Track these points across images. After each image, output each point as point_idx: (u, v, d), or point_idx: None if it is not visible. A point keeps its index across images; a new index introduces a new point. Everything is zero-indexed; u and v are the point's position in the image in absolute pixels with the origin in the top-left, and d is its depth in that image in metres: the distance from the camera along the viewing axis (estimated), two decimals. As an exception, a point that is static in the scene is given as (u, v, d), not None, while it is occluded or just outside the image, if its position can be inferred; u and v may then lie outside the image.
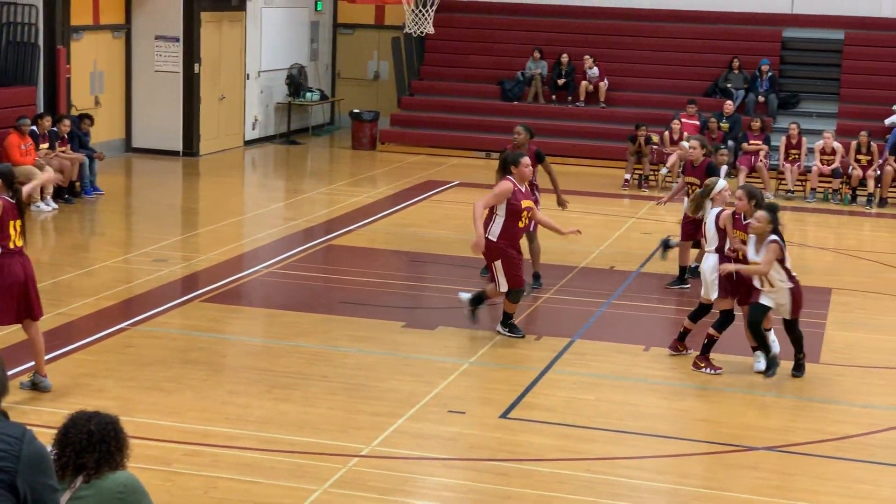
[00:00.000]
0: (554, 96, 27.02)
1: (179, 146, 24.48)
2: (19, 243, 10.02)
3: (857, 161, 22.24)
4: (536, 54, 27.15)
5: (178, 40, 24.18)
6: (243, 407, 10.14)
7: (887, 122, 24.18)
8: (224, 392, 10.51)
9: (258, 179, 24.52)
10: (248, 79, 26.41)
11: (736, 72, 26.12)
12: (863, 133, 22.43)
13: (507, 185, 12.25)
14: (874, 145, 22.36)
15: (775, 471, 9.26)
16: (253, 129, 26.75)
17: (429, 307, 13.90)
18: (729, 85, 25.91)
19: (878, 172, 21.98)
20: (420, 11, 19.82)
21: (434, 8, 19.98)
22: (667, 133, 23.48)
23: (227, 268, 15.16)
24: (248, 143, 26.47)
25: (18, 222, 9.99)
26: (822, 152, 22.48)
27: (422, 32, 20.31)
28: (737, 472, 9.20)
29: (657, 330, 13.27)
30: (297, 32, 28.43)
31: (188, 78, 24.34)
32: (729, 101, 24.32)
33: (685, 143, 17.14)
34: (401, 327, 12.83)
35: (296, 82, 27.49)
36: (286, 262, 15.67)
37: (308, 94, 27.83)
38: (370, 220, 18.80)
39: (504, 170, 12.61)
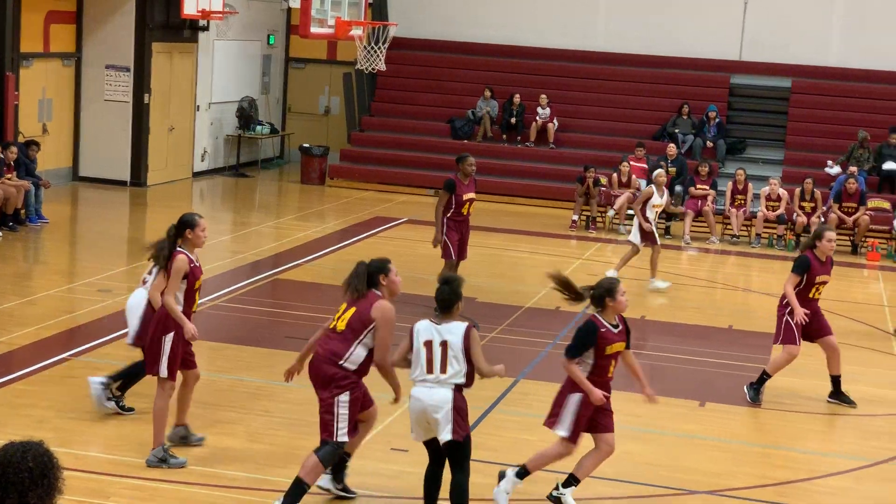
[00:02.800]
0: (504, 136, 27.14)
1: (127, 176, 24.33)
2: None
3: (802, 208, 22.49)
4: (487, 93, 27.28)
5: (128, 70, 24.09)
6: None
7: (827, 170, 24.49)
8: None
9: (206, 211, 24.22)
10: (198, 110, 26.34)
11: (685, 117, 26.37)
12: (808, 180, 22.71)
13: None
14: (818, 192, 22.62)
15: (717, 515, 9.29)
16: (202, 160, 26.65)
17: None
18: (677, 130, 26.15)
19: (823, 219, 22.22)
20: (372, 48, 19.85)
21: (386, 45, 20.01)
22: (615, 175, 23.63)
23: (171, 300, 15.02)
24: (196, 174, 26.36)
25: None
26: (768, 198, 22.71)
27: (373, 69, 20.33)
28: (678, 516, 9.21)
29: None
30: (249, 65, 28.41)
31: (138, 108, 24.24)
32: (672, 145, 24.55)
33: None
34: (345, 363, 12.75)
35: (246, 115, 27.45)
36: (232, 295, 15.57)
37: (258, 128, 27.78)
38: (317, 254, 18.74)
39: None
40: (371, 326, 8.54)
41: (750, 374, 13.02)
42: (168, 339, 9.52)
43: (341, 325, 8.67)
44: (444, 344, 8.31)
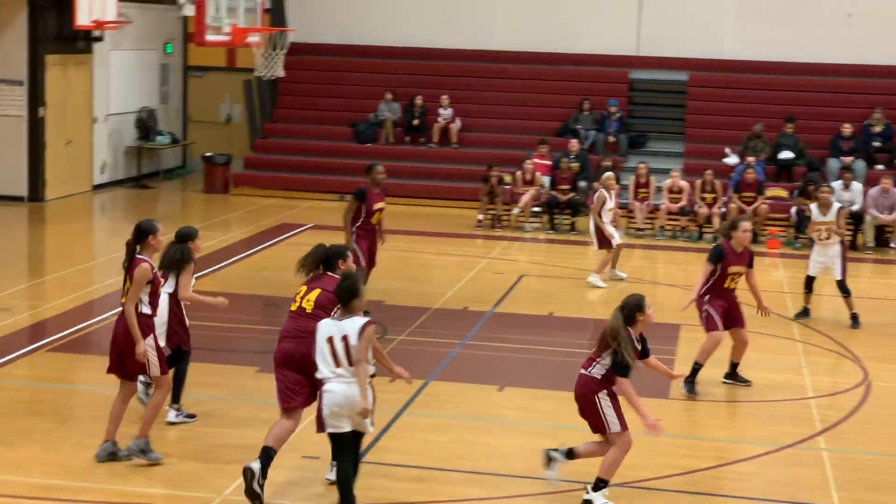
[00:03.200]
0: (407, 138, 27.15)
1: (24, 191, 23.94)
2: None
3: (703, 199, 22.80)
4: (388, 96, 27.27)
5: (21, 83, 23.70)
6: (90, 459, 9.88)
7: (726, 161, 24.87)
8: (71, 444, 10.25)
9: (107, 225, 24.10)
10: (95, 122, 25.98)
11: (586, 113, 26.59)
12: (708, 172, 23.04)
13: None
14: (718, 183, 22.94)
15: (628, 507, 9.38)
16: (101, 173, 26.30)
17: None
18: (579, 126, 26.37)
19: (724, 210, 22.54)
20: (270, 54, 19.75)
21: (285, 51, 19.93)
22: (519, 173, 23.76)
23: (75, 316, 14.83)
24: (96, 187, 26.01)
25: None
26: (670, 191, 22.99)
27: (273, 76, 20.23)
28: (589, 510, 9.29)
29: (511, 370, 13.35)
30: (147, 75, 28.10)
31: (33, 122, 23.87)
32: (574, 140, 24.75)
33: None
34: (254, 372, 12.69)
35: (146, 125, 27.16)
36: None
37: (158, 138, 27.50)
38: (224, 264, 18.60)
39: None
40: (339, 306, 8.76)
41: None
42: (150, 342, 9.81)
43: (309, 307, 9.16)
44: (344, 339, 8.53)
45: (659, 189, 23.44)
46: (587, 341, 14.67)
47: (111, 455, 9.85)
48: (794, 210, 22.66)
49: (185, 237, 10.90)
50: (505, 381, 12.72)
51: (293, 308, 9.28)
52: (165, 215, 24.78)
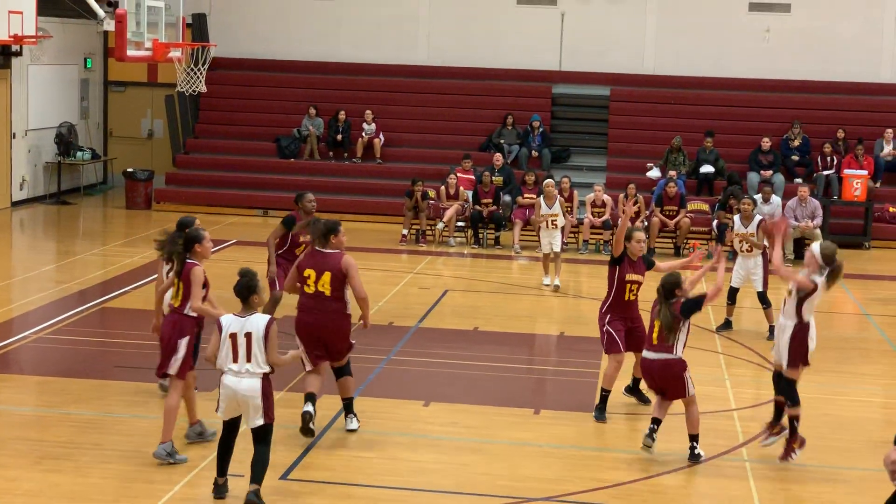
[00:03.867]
0: (331, 153, 27.09)
1: (-58, 208, 23.56)
2: None
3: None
4: (312, 111, 27.20)
5: (-61, 99, 23.31)
6: (11, 480, 9.73)
7: (649, 174, 25.10)
8: (-9, 465, 10.07)
9: (27, 241, 23.75)
10: (14, 138, 25.62)
11: (509, 127, 26.72)
12: (631, 185, 23.19)
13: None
14: (641, 197, 23.12)
15: (553, 521, 9.42)
16: (21, 189, 25.94)
17: (208, 369, 13.62)
18: (502, 140, 26.47)
19: (646, 223, 22.73)
20: (192, 70, 19.61)
21: (206, 66, 19.79)
22: (443, 188, 23.79)
23: (-7, 334, 14.58)
24: (15, 203, 25.64)
25: None
26: (594, 205, 23.13)
27: (194, 90, 20.09)
28: (516, 524, 9.31)
29: (437, 385, 13.34)
30: (67, 90, 27.78)
31: (-50, 137, 23.48)
32: (498, 154, 24.85)
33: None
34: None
35: (65, 141, 26.83)
36: (58, 326, 15.19)
37: (79, 153, 27.18)
38: (146, 280, 18.38)
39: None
40: (346, 279, 10.88)
41: (583, 380, 13.26)
42: (184, 342, 10.39)
43: (328, 290, 10.96)
44: (247, 335, 9.21)
45: (582, 203, 23.57)
46: (512, 354, 14.75)
47: (199, 435, 10.79)
48: (715, 223, 22.90)
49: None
50: (431, 396, 12.71)
51: (311, 291, 10.95)
52: (86, 232, 24.54)
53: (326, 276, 10.97)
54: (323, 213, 24.78)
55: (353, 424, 11.32)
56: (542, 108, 27.48)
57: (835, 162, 25.37)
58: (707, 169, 25.17)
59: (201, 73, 19.55)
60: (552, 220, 19.08)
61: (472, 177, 24.35)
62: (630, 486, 10.17)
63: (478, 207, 23.36)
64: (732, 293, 16.34)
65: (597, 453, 11.16)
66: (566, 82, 28.21)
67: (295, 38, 28.71)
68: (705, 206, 24.06)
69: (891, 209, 24.77)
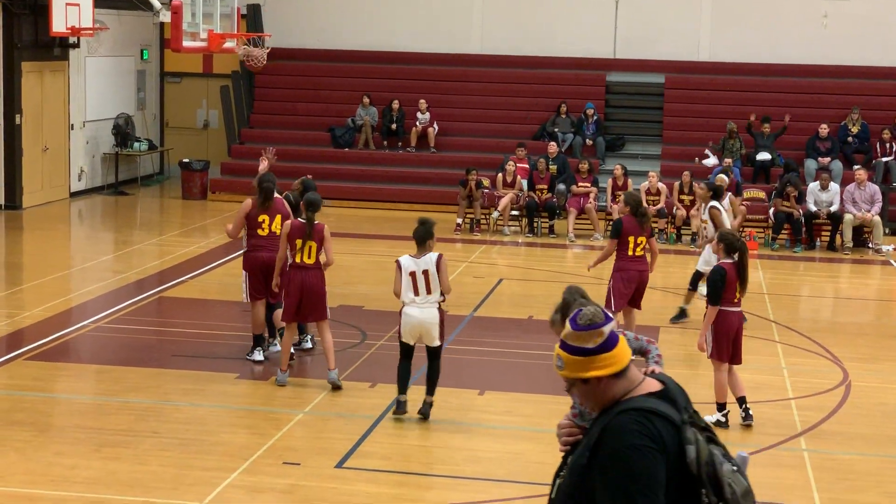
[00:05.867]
0: (385, 142, 27.14)
1: (1, 199, 23.82)
2: None
3: (681, 201, 22.83)
4: (366, 100, 27.25)
5: (-3, 91, 23.58)
6: (70, 468, 9.84)
7: (704, 162, 24.89)
8: (50, 453, 10.20)
9: (85, 232, 24.00)
10: (72, 129, 25.88)
11: (563, 116, 26.63)
12: (685, 173, 23.07)
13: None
14: (696, 185, 22.96)
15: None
16: (79, 180, 26.20)
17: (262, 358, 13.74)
18: (556, 129, 26.39)
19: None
20: (251, 47, 19.71)
21: (267, 49, 19.88)
22: (500, 176, 23.74)
23: (52, 324, 14.75)
24: (74, 194, 25.91)
25: None
26: (648, 192, 23.00)
27: (259, 63, 20.12)
28: (572, 513, 9.28)
29: (492, 374, 13.34)
30: (123, 81, 28.01)
31: (9, 129, 23.75)
32: (553, 143, 24.77)
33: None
34: (234, 378, 12.65)
35: (123, 132, 27.05)
36: (115, 315, 15.33)
37: (136, 144, 27.41)
38: (202, 270, 18.54)
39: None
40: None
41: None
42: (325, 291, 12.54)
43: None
44: (425, 273, 11.01)
45: (602, 190, 23.48)
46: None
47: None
48: (771, 211, 22.73)
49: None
50: (486, 385, 12.71)
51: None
52: (143, 222, 24.76)
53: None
54: (376, 201, 25.05)
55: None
56: (596, 97, 27.36)
57: (894, 148, 25.07)
58: (764, 156, 24.96)
59: (263, 53, 19.61)
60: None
61: (527, 165, 24.29)
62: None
63: (532, 195, 23.30)
64: (696, 278, 15.94)
65: (652, 442, 11.09)
66: (620, 70, 28.07)
67: (348, 28, 28.76)
68: (762, 194, 23.86)
69: (950, 195, 24.41)
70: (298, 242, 12.07)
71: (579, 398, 4.55)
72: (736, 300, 11.29)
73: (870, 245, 22.40)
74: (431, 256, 11.13)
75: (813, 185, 22.72)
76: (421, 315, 11.10)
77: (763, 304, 17.03)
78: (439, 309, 11.17)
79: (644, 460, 4.29)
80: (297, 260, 12.15)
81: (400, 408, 11.23)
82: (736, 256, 11.24)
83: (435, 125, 26.96)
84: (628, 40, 28.06)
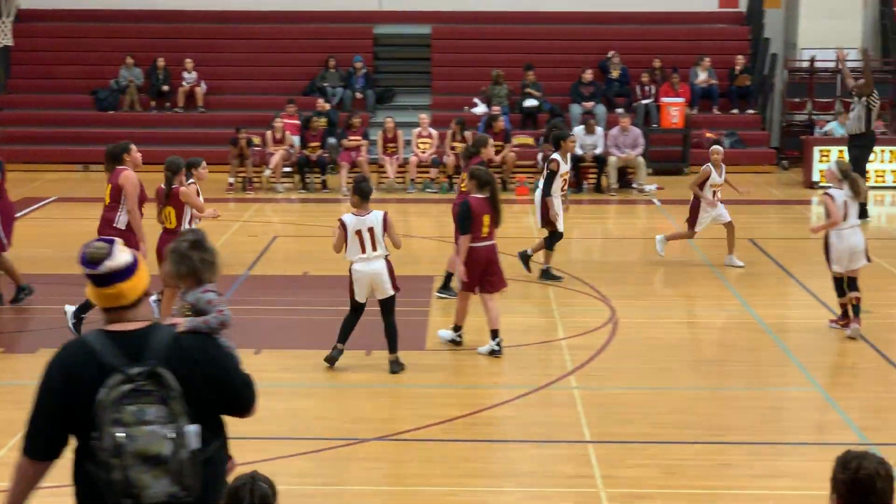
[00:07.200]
0: (153, 103, 26.56)
1: None
2: None
3: (453, 149, 23.09)
4: (129, 61, 26.59)
5: None
6: None
7: (474, 110, 25.23)
8: None
9: None
10: None
11: (332, 70, 26.55)
12: (455, 121, 23.32)
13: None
14: (467, 133, 23.24)
15: (387, 459, 9.49)
16: None
17: (31, 329, 13.35)
18: (325, 83, 26.29)
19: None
20: (-5, 22, 18.99)
21: (11, 18, 19.15)
22: (269, 133, 23.55)
23: None
24: None
25: None
26: (419, 136, 23.26)
27: (1, 44, 19.44)
28: (350, 466, 9.37)
29: (268, 332, 13.27)
30: None
31: None
32: (321, 99, 24.69)
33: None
34: (0, 353, 12.26)
35: None
36: None
37: None
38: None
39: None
40: (123, 192, 12.39)
41: (413, 318, 13.34)
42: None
43: (107, 199, 12.57)
44: (370, 230, 11.30)
45: (408, 143, 23.63)
46: (342, 298, 14.72)
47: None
48: (540, 157, 23.18)
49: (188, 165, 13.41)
50: (262, 343, 12.64)
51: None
52: None
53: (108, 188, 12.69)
54: (147, 164, 24.48)
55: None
56: (364, 49, 27.37)
57: (653, 91, 25.89)
58: (530, 103, 25.43)
59: (7, 27, 18.92)
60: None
61: (298, 122, 24.16)
62: (463, 420, 10.30)
63: (304, 152, 23.20)
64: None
65: (430, 390, 11.27)
66: (387, 22, 28.12)
67: (107, -14, 27.95)
68: (531, 140, 24.32)
69: (707, 134, 25.38)
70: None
71: None
72: (484, 234, 11.86)
73: (634, 185, 23.13)
74: (376, 214, 11.36)
75: (578, 129, 23.28)
76: (370, 268, 11.37)
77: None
78: (386, 260, 11.46)
79: (45, 380, 5.00)
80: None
81: (331, 359, 11.68)
82: (487, 192, 11.81)
83: (202, 84, 26.53)
84: (394, -8, 28.14)
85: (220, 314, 6.49)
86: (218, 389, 5.14)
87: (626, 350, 12.50)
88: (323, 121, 23.82)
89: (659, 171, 24.36)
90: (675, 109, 24.78)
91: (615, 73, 26.36)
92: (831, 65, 26.36)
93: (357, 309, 11.66)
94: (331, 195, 22.56)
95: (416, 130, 23.36)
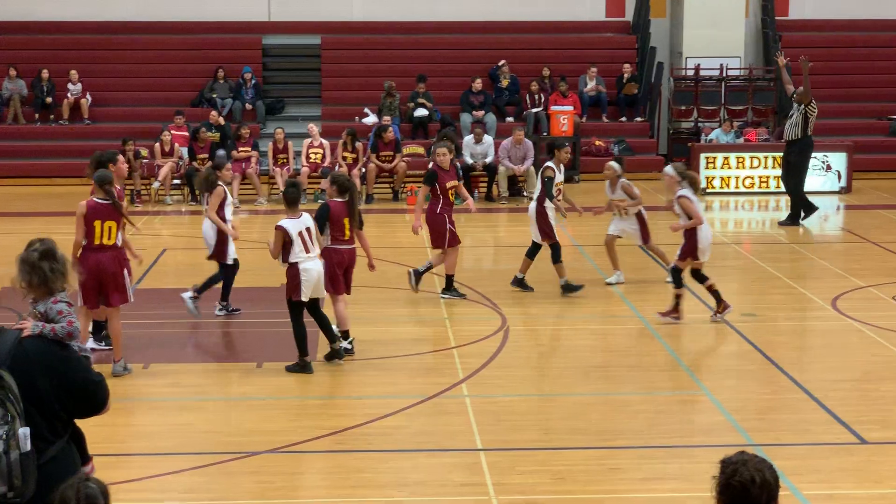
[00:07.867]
0: (37, 115, 26.09)
1: None
2: None
3: (344, 158, 23.03)
4: (12, 72, 26.09)
5: None
6: None
7: (365, 121, 25.22)
8: None
9: None
10: None
11: (221, 81, 26.32)
12: (346, 132, 23.27)
13: None
14: (358, 144, 23.23)
15: (278, 472, 9.39)
16: None
17: None
18: (215, 95, 26.07)
19: (363, 170, 22.85)
20: None
21: None
22: (157, 145, 23.28)
23: None
24: None
25: None
26: (311, 146, 23.18)
27: None
28: (240, 480, 9.26)
29: (156, 345, 13.08)
30: None
31: None
32: (214, 111, 24.50)
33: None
34: None
35: None
36: None
37: None
38: None
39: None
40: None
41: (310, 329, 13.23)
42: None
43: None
44: (308, 230, 11.71)
45: (298, 154, 23.52)
46: (233, 312, 14.59)
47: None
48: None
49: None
50: (149, 357, 12.46)
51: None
52: None
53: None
54: (30, 177, 24.10)
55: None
56: (253, 60, 27.20)
57: (542, 99, 26.09)
58: (421, 112, 25.47)
59: None
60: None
61: (186, 133, 23.91)
62: (353, 431, 10.25)
63: (193, 164, 22.96)
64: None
65: (320, 401, 11.21)
66: (276, 32, 27.99)
67: (-12, -3, 27.43)
68: (421, 150, 24.36)
69: (597, 142, 25.69)
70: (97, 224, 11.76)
71: None
72: (346, 238, 12.29)
73: (524, 194, 23.27)
74: (306, 215, 11.86)
75: (468, 139, 23.37)
76: (317, 266, 11.77)
77: (426, 257, 17.37)
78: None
79: None
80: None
81: (305, 368, 11.82)
82: (346, 197, 12.28)
83: (88, 96, 26.12)
84: (283, 2, 28.00)
85: (69, 325, 6.31)
86: (64, 391, 5.25)
87: (517, 358, 12.55)
88: (215, 134, 23.58)
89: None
90: (564, 118, 24.99)
91: (505, 82, 26.52)
92: (715, 73, 26.84)
93: (299, 311, 11.77)
94: (221, 207, 22.31)
95: (307, 141, 23.27)
